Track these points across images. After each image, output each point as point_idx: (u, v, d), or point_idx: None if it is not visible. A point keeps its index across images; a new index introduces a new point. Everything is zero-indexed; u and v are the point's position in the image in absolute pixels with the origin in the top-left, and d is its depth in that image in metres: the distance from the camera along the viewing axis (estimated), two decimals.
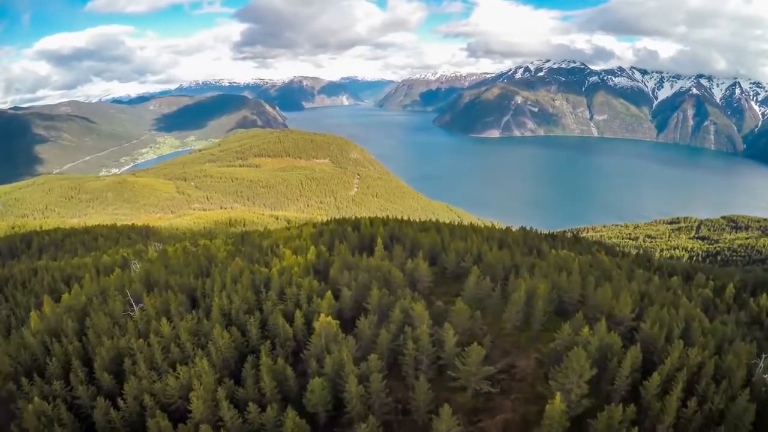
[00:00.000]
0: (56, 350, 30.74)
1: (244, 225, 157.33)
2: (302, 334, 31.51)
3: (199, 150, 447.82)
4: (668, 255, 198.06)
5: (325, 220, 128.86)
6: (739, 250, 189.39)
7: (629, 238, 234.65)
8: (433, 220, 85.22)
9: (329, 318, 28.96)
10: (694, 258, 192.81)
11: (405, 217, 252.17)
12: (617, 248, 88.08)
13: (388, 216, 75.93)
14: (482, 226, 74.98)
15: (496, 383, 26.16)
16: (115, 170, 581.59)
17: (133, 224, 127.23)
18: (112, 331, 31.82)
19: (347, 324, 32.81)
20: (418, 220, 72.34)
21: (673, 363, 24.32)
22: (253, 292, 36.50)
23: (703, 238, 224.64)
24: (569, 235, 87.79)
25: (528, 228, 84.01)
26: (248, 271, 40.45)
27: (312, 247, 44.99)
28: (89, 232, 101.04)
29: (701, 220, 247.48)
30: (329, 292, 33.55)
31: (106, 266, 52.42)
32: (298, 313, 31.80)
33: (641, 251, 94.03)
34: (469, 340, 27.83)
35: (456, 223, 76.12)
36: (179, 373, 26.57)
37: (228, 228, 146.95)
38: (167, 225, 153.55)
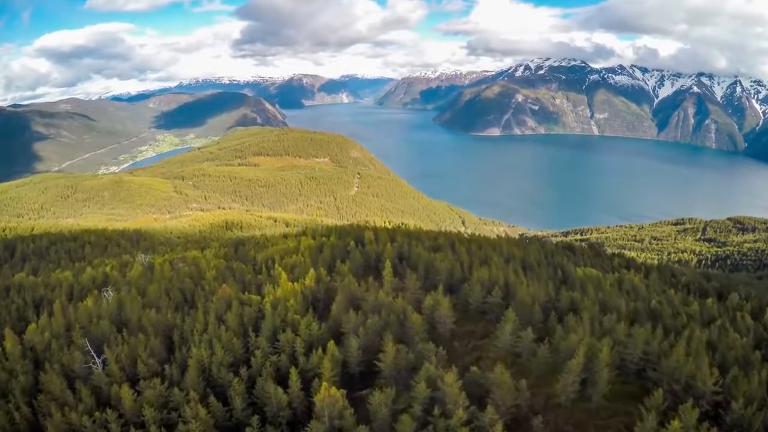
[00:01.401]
0: (1, 419, 25.59)
1: (240, 228, 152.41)
2: (299, 400, 26.25)
3: (198, 148, 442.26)
4: (677, 258, 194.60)
5: (326, 224, 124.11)
6: (749, 253, 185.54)
7: (635, 240, 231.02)
8: (443, 230, 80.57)
9: (333, 389, 23.73)
10: (703, 262, 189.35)
11: (405, 216, 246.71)
12: (638, 260, 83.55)
13: (393, 224, 71.17)
14: (497, 238, 70.14)
15: None
16: (114, 168, 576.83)
17: (124, 229, 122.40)
18: (65, 397, 26.71)
19: (354, 382, 27.72)
20: (427, 231, 67.46)
21: None
22: (241, 334, 31.44)
23: (709, 240, 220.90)
24: (585, 245, 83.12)
25: (541, 236, 79.77)
26: (237, 302, 35.42)
27: (311, 271, 39.98)
28: (77, 239, 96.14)
29: (707, 222, 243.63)
30: (331, 344, 28.16)
31: (83, 287, 47.58)
32: (293, 372, 26.46)
33: (661, 263, 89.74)
34: (513, 421, 22.91)
35: (469, 234, 71.45)
36: None
37: (224, 231, 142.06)
38: (161, 227, 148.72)
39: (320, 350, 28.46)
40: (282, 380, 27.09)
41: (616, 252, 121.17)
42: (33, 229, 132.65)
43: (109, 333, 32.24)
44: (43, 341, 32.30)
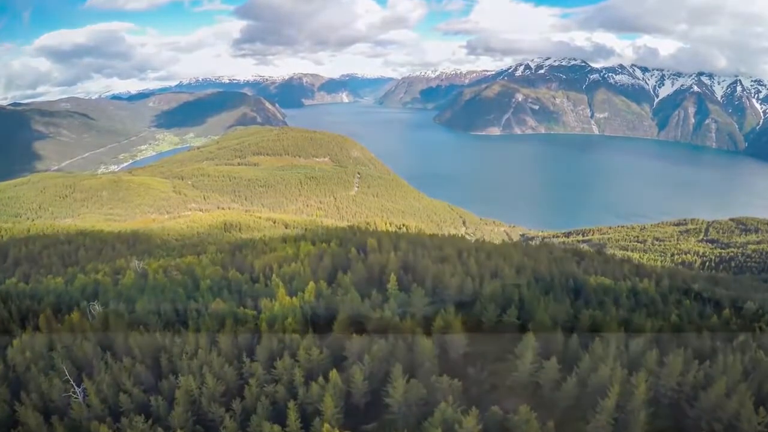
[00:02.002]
0: None
1: (239, 230, 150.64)
2: None
3: (198, 148, 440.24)
4: (680, 260, 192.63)
5: (326, 226, 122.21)
6: (753, 255, 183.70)
7: (637, 241, 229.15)
8: (444, 230, 78.71)
9: (336, 431, 21.69)
10: (707, 264, 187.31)
11: (406, 216, 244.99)
12: (646, 265, 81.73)
13: (395, 226, 69.29)
14: (505, 245, 68.26)
15: None
16: (113, 167, 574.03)
17: (120, 231, 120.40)
18: None
19: (358, 414, 25.63)
20: (432, 236, 65.51)
21: None
22: (235, 357, 29.28)
23: (712, 241, 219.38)
24: (592, 250, 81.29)
25: (542, 237, 77.92)
26: (231, 320, 33.30)
27: (311, 284, 37.98)
28: (71, 242, 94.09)
29: (709, 222, 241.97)
30: (333, 373, 26.02)
31: (71, 297, 45.56)
32: (291, 407, 24.30)
33: (670, 268, 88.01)
34: None
35: (474, 237, 69.58)
36: None
37: (222, 233, 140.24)
38: (159, 229, 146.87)
39: (321, 379, 26.20)
40: (279, 414, 24.81)
41: (621, 254, 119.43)
42: (29, 231, 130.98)
43: (93, 356, 30.13)
44: (25, 362, 30.25)
